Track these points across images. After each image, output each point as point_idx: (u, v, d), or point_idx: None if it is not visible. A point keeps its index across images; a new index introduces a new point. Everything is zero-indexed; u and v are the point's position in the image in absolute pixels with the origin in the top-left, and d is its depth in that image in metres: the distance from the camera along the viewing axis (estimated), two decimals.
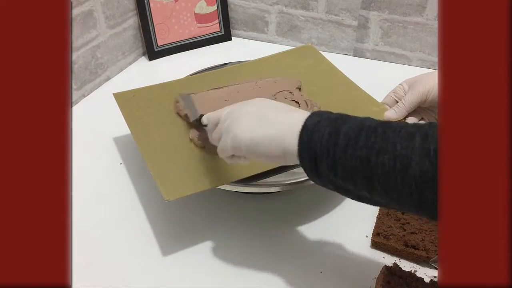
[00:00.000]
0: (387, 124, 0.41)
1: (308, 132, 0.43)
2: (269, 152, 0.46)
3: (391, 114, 0.65)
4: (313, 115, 0.45)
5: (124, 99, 0.71)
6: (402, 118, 0.65)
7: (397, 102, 0.66)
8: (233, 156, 0.51)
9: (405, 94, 0.65)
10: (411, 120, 0.65)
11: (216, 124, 0.52)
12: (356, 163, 0.41)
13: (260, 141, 0.46)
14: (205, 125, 0.56)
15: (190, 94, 0.71)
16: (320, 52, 0.84)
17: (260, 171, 0.59)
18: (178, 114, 0.69)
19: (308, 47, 0.85)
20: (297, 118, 0.45)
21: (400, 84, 0.67)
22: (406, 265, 0.58)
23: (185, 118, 0.67)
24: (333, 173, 0.43)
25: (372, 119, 0.43)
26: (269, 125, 0.47)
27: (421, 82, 0.63)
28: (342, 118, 0.43)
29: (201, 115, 0.57)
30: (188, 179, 0.58)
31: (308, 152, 0.43)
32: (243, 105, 0.50)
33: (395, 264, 0.55)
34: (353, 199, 0.45)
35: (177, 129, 0.66)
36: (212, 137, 0.53)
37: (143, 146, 0.63)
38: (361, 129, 0.41)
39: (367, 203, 0.45)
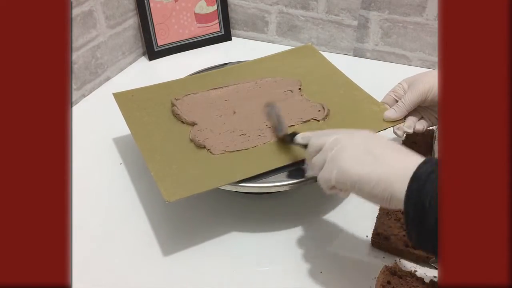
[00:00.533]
0: None
1: (420, 182, 0.41)
2: (375, 193, 0.44)
3: (391, 114, 0.65)
4: (427, 163, 0.42)
5: (124, 99, 0.71)
6: (402, 117, 0.65)
7: (397, 101, 0.66)
8: (333, 187, 0.49)
9: (405, 94, 0.65)
10: (411, 119, 0.65)
11: (319, 150, 0.50)
12: None
13: (367, 180, 0.45)
14: (298, 144, 0.55)
15: (275, 105, 0.67)
16: (320, 52, 0.84)
17: (260, 172, 0.59)
18: (175, 117, 0.68)
19: (308, 47, 0.85)
20: (408, 161, 0.43)
21: (399, 84, 0.67)
22: (406, 265, 0.58)
23: (272, 130, 0.65)
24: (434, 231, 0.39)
25: None
26: (379, 164, 0.45)
27: (421, 81, 0.63)
28: None
29: (294, 133, 0.56)
30: (188, 179, 0.57)
31: (415, 203, 0.40)
32: (350, 136, 0.49)
33: (395, 264, 0.55)
34: None
35: (177, 129, 0.66)
36: (313, 162, 0.51)
37: (143, 146, 0.63)
38: None
39: None
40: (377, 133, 0.49)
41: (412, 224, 0.41)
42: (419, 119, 0.66)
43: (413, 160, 0.43)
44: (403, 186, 0.41)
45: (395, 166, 0.44)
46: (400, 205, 0.42)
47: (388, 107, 0.67)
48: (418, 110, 0.66)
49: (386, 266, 0.55)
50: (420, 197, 0.40)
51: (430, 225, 0.39)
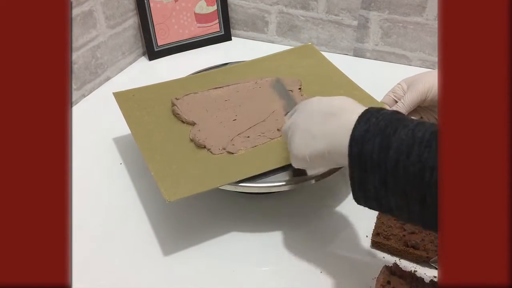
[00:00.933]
0: (435, 133, 0.40)
1: (358, 145, 0.43)
2: (326, 164, 0.50)
3: None
4: (361, 121, 0.44)
5: (124, 99, 0.71)
6: None
7: (396, 102, 0.66)
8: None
9: (404, 94, 0.65)
10: None
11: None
12: (409, 179, 0.39)
13: (314, 158, 0.49)
14: None
15: (280, 81, 0.73)
16: (320, 52, 0.84)
17: (261, 172, 0.59)
18: (176, 116, 0.69)
19: (308, 46, 0.85)
20: (345, 124, 0.45)
21: (398, 84, 0.67)
22: (406, 265, 0.58)
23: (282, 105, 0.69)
24: (384, 188, 0.42)
25: (424, 125, 0.41)
26: (319, 139, 0.48)
27: (421, 81, 0.63)
28: (392, 126, 0.42)
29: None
30: (188, 179, 0.57)
31: (359, 165, 0.43)
32: (300, 117, 0.52)
33: (395, 264, 0.55)
34: (399, 219, 0.44)
35: (178, 129, 0.66)
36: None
37: (143, 146, 0.63)
38: (413, 142, 0.40)
39: (416, 223, 0.43)
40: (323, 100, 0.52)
41: (358, 186, 0.44)
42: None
43: (347, 120, 0.45)
44: (345, 152, 0.44)
45: (333, 135, 0.47)
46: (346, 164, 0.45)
47: (388, 107, 0.67)
48: (417, 110, 0.66)
49: (386, 266, 0.55)
50: (362, 160, 0.42)
51: (374, 186, 0.42)
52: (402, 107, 0.64)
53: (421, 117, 0.66)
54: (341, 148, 0.45)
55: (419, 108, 0.65)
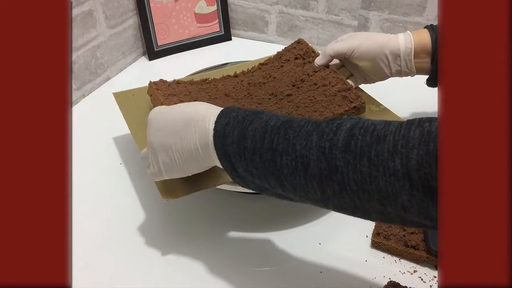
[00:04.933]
0: (289, 124, 0.43)
1: (220, 139, 0.45)
2: (197, 165, 0.50)
3: (317, 60, 0.71)
4: (222, 116, 0.46)
5: (124, 99, 0.71)
6: (326, 64, 0.70)
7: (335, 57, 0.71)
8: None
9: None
10: (339, 70, 0.71)
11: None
12: (265, 165, 0.43)
13: (185, 163, 0.50)
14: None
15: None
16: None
17: None
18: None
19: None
20: (204, 126, 0.47)
21: (347, 35, 0.71)
22: (406, 265, 0.58)
23: None
24: (249, 174, 0.45)
25: (277, 116, 0.45)
26: (179, 154, 0.49)
27: (353, 38, 0.68)
28: (249, 118, 0.45)
29: None
30: (186, 179, 0.57)
31: (225, 157, 0.45)
32: (150, 132, 0.52)
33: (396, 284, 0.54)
34: (274, 196, 0.47)
35: None
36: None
37: (143, 146, 0.62)
38: (265, 131, 0.43)
39: (287, 200, 0.47)
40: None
41: (231, 174, 0.47)
42: (348, 76, 0.72)
43: (206, 122, 0.47)
44: (211, 154, 0.47)
45: (192, 146, 0.48)
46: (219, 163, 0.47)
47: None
48: (348, 67, 0.72)
49: (389, 282, 0.54)
50: (226, 152, 0.45)
51: (242, 173, 0.45)
52: (327, 52, 0.69)
53: (351, 75, 0.72)
54: (207, 147, 0.47)
55: (349, 64, 0.71)
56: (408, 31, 0.67)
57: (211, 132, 0.46)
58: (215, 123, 0.46)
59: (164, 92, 0.65)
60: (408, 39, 0.65)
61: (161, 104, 0.61)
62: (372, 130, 0.38)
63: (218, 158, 0.46)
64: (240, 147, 0.44)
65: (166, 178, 0.53)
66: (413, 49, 0.65)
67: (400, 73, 0.68)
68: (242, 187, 0.49)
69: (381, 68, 0.67)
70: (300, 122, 0.43)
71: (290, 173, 0.41)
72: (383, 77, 0.69)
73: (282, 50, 0.77)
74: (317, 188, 0.40)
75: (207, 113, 0.47)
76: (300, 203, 0.47)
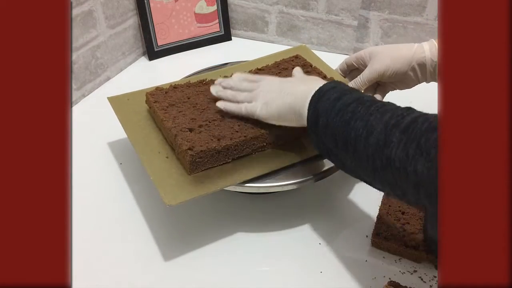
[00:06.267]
0: (377, 101, 0.49)
1: (320, 93, 0.52)
2: (289, 118, 0.56)
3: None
4: (332, 82, 0.54)
5: (119, 103, 0.70)
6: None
7: (355, 66, 0.73)
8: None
9: (365, 67, 0.70)
10: (378, 97, 0.70)
11: (246, 90, 0.62)
12: (341, 124, 0.49)
13: (282, 111, 0.56)
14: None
15: None
16: (319, 52, 0.84)
17: (262, 173, 0.59)
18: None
19: (302, 47, 0.84)
20: (310, 87, 0.54)
21: (364, 51, 0.71)
22: (406, 265, 0.58)
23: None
24: (324, 131, 0.50)
25: (372, 97, 0.51)
26: (287, 97, 0.56)
27: (380, 61, 0.68)
28: (351, 90, 0.52)
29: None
30: (188, 182, 0.57)
31: (314, 109, 0.52)
32: (270, 82, 0.61)
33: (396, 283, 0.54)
34: (336, 164, 0.54)
35: None
36: (239, 97, 0.61)
37: (141, 150, 0.62)
38: (356, 100, 0.49)
39: (346, 171, 0.52)
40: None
41: (311, 127, 0.53)
42: (373, 94, 0.72)
43: (315, 85, 0.54)
44: (305, 104, 0.53)
45: (298, 94, 0.55)
46: (305, 120, 0.53)
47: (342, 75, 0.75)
48: (373, 85, 0.72)
49: (389, 282, 0.54)
50: (318, 104, 0.51)
51: (320, 129, 0.51)
52: (359, 83, 0.69)
53: (375, 92, 0.72)
54: (306, 99, 0.53)
55: (380, 82, 0.72)
56: (433, 40, 0.67)
57: (316, 89, 0.53)
58: (323, 84, 0.53)
59: (161, 105, 0.64)
60: (434, 51, 0.65)
61: (162, 120, 0.62)
62: (431, 121, 0.42)
63: (307, 109, 0.52)
64: (331, 105, 0.50)
65: (260, 114, 0.58)
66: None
67: (426, 80, 0.68)
68: (312, 144, 0.55)
69: (411, 79, 0.68)
70: (386, 103, 0.48)
71: (356, 136, 0.47)
72: (411, 85, 0.70)
73: (280, 60, 0.77)
74: (370, 157, 0.45)
75: (320, 82, 0.55)
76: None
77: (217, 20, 1.07)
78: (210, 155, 0.57)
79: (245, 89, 0.62)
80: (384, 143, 0.44)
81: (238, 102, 0.61)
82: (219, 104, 0.61)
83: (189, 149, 0.56)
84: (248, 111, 0.59)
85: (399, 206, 0.63)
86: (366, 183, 0.51)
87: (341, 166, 0.53)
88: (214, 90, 0.64)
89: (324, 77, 0.71)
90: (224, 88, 0.64)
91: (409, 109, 0.46)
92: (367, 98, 0.50)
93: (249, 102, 0.60)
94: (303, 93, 0.54)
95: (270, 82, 0.61)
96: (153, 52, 1.01)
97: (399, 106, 0.47)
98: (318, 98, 0.52)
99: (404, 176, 0.42)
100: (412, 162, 0.41)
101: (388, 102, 0.50)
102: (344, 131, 0.48)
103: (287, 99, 0.56)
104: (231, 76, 0.72)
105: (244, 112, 0.60)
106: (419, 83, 0.69)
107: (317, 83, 0.55)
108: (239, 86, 0.63)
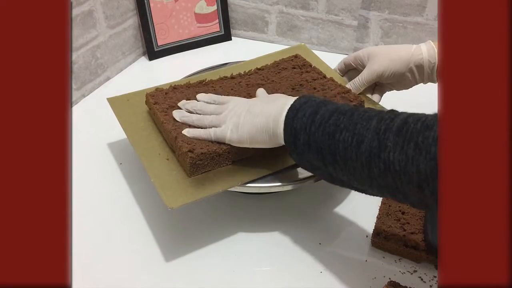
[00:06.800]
0: (356, 109, 0.48)
1: (294, 111, 0.51)
2: (262, 139, 0.54)
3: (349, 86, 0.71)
4: (302, 97, 0.52)
5: (119, 104, 0.70)
6: (357, 93, 0.70)
7: (353, 66, 0.73)
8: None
9: (363, 68, 0.70)
10: (376, 97, 0.72)
11: (215, 113, 0.60)
12: (325, 138, 0.47)
13: (254, 133, 0.54)
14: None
15: None
16: (319, 51, 0.84)
17: (263, 175, 0.59)
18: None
19: (301, 46, 0.84)
20: (285, 104, 0.52)
21: (362, 52, 0.71)
22: (406, 265, 0.58)
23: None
24: (307, 148, 0.49)
25: (349, 105, 0.50)
26: (257, 117, 0.54)
27: (378, 62, 0.68)
28: (325, 102, 0.50)
29: None
30: (189, 185, 0.57)
31: (290, 127, 0.50)
32: (238, 103, 0.58)
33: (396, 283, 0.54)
34: (323, 178, 0.53)
35: None
36: (206, 121, 0.59)
37: (142, 152, 0.61)
38: (335, 111, 0.48)
39: (335, 182, 0.51)
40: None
41: (290, 147, 0.52)
42: (371, 94, 0.73)
43: (286, 102, 0.52)
44: (279, 123, 0.52)
45: (269, 113, 0.53)
46: (282, 139, 0.52)
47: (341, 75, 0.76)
48: (371, 85, 0.72)
49: (389, 282, 0.54)
50: (294, 122, 0.50)
51: (301, 146, 0.50)
52: (358, 84, 0.70)
53: (373, 92, 0.73)
54: (279, 118, 0.52)
55: (377, 83, 0.71)
56: (430, 41, 0.67)
57: (288, 106, 0.51)
58: (294, 101, 0.52)
59: (161, 106, 0.64)
60: (431, 52, 0.66)
61: (162, 122, 0.62)
62: (423, 120, 0.41)
63: (283, 129, 0.51)
64: (308, 120, 0.49)
65: (231, 138, 0.56)
66: (436, 63, 0.66)
67: (423, 81, 0.68)
68: (296, 162, 0.54)
69: (408, 80, 0.68)
70: (367, 109, 0.48)
71: (345, 148, 0.46)
72: (408, 86, 0.70)
73: (279, 60, 0.77)
74: (365, 165, 0.44)
75: (289, 99, 0.54)
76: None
77: (217, 20, 1.07)
78: (211, 158, 0.57)
79: (211, 112, 0.60)
80: (378, 148, 0.43)
81: (205, 126, 0.59)
82: (186, 132, 0.58)
83: (190, 151, 0.56)
84: (217, 136, 0.57)
85: (399, 206, 0.63)
86: (358, 191, 0.50)
87: (330, 180, 0.51)
88: (178, 115, 0.61)
89: (324, 77, 0.71)
90: (189, 111, 0.62)
91: (393, 112, 0.45)
92: (344, 107, 0.49)
93: (217, 126, 0.58)
94: (275, 112, 0.52)
95: (238, 103, 0.58)
96: (153, 52, 1.01)
97: (381, 110, 0.47)
98: (292, 115, 0.50)
99: (406, 178, 0.41)
100: (414, 162, 0.40)
101: (368, 108, 0.49)
102: (330, 144, 0.47)
103: (257, 119, 0.54)
104: (230, 76, 0.72)
105: (213, 137, 0.57)
106: (417, 84, 0.69)
107: (287, 100, 0.53)
108: (205, 109, 0.61)
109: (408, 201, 0.44)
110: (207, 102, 0.63)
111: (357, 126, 0.45)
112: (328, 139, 0.47)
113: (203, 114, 0.61)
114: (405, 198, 0.44)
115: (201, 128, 0.59)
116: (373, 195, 0.49)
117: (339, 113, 0.48)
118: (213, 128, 0.58)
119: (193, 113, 0.61)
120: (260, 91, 0.65)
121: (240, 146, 0.56)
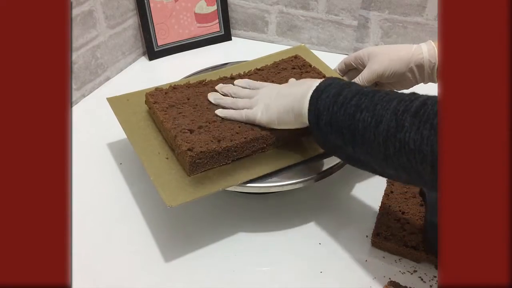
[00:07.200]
0: (378, 91, 0.49)
1: (319, 92, 0.53)
2: (288, 119, 0.56)
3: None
4: (328, 79, 0.54)
5: (119, 104, 0.70)
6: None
7: (354, 66, 0.73)
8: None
9: (363, 67, 0.70)
10: None
11: (246, 97, 0.63)
12: (346, 118, 0.49)
13: (282, 113, 0.56)
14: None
15: None
16: (319, 51, 0.84)
17: (263, 174, 0.59)
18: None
19: (301, 47, 0.84)
20: (307, 87, 0.54)
21: (362, 51, 0.71)
22: (406, 265, 0.58)
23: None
24: (329, 128, 0.51)
25: (371, 88, 0.52)
26: (284, 98, 0.56)
27: (378, 62, 0.68)
28: (349, 84, 0.52)
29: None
30: (189, 183, 0.57)
31: (314, 107, 0.52)
32: (267, 88, 0.62)
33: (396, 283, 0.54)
34: (344, 159, 0.55)
35: None
36: (239, 103, 0.62)
37: (141, 152, 0.62)
38: (358, 92, 0.50)
39: (355, 164, 0.53)
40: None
41: (313, 126, 0.53)
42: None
43: (312, 84, 0.54)
44: (304, 103, 0.53)
45: (295, 94, 0.55)
46: (306, 119, 0.54)
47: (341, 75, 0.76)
48: (371, 85, 0.71)
49: (389, 282, 0.54)
50: (318, 102, 0.52)
51: (323, 126, 0.52)
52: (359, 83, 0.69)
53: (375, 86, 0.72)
54: (304, 99, 0.54)
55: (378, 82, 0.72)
56: (431, 41, 0.67)
57: (313, 88, 0.53)
58: (319, 83, 0.54)
59: (161, 105, 0.64)
60: (432, 52, 0.66)
61: (162, 121, 0.62)
62: None
63: (308, 109, 0.53)
64: (331, 101, 0.51)
65: (261, 119, 0.59)
66: (436, 63, 0.66)
67: (424, 81, 0.68)
68: (317, 143, 0.56)
69: (409, 80, 0.68)
70: (388, 91, 0.49)
71: (364, 127, 0.47)
72: (409, 86, 0.70)
73: (279, 60, 0.77)
74: (382, 144, 0.46)
75: (315, 81, 0.55)
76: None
77: (217, 20, 1.07)
78: (210, 157, 0.57)
79: (245, 96, 0.63)
80: (395, 129, 0.44)
81: (238, 108, 0.62)
82: (219, 112, 0.62)
83: (189, 150, 0.56)
84: (249, 117, 0.60)
85: (399, 206, 0.63)
86: (376, 173, 0.51)
87: (348, 160, 0.54)
88: (212, 97, 0.65)
89: (323, 77, 0.71)
90: (224, 94, 0.65)
91: (414, 94, 0.46)
92: (367, 89, 0.50)
93: (249, 108, 0.61)
94: (301, 93, 0.55)
95: (270, 87, 0.62)
96: (153, 52, 1.01)
97: (403, 93, 0.47)
98: (317, 96, 0.52)
99: (420, 157, 0.42)
100: (428, 142, 0.41)
101: (390, 90, 0.50)
102: (350, 124, 0.49)
103: (284, 100, 0.56)
104: (230, 76, 0.72)
105: (245, 118, 0.60)
106: (417, 84, 0.69)
107: (314, 82, 0.55)
108: (240, 93, 0.64)
109: (422, 182, 0.45)
110: (242, 87, 0.66)
111: (377, 106, 0.47)
112: (349, 119, 0.49)
113: (237, 98, 0.64)
114: (420, 178, 0.45)
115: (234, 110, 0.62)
116: (389, 176, 0.50)
117: (361, 94, 0.49)
118: (245, 110, 0.61)
119: (228, 96, 0.65)
120: (292, 79, 0.68)
121: (269, 126, 0.59)
